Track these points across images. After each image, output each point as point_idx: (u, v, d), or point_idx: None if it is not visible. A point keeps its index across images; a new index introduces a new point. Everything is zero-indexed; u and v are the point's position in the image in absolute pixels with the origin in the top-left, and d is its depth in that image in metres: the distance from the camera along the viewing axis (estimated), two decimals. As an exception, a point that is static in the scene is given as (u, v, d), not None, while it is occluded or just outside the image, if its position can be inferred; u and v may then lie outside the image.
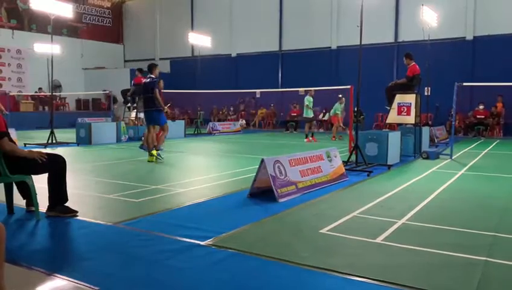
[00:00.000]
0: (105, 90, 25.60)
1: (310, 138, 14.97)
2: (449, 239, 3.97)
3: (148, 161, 9.15)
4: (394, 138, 9.21)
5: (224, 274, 3.11)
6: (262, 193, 5.64)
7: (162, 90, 15.50)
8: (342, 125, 16.55)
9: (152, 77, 9.48)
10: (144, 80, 9.85)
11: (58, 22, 19.39)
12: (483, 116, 18.10)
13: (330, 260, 3.36)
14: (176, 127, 16.76)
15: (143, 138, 11.49)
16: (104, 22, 29.84)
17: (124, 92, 18.02)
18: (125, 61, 30.80)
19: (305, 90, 16.16)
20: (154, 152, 9.35)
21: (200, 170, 8.71)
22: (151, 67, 9.60)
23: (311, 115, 15.38)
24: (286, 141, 15.32)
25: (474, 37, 19.62)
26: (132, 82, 16.57)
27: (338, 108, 16.23)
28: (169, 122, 16.31)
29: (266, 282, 3.01)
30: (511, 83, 11.16)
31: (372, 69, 17.65)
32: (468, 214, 4.97)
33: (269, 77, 24.15)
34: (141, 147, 11.16)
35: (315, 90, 15.91)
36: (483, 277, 3.06)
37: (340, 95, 16.11)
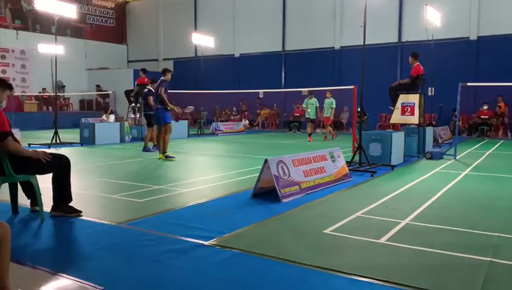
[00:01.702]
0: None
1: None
2: (453, 240, 3.95)
3: (159, 158, 9.58)
4: (398, 138, 9.19)
5: (228, 274, 3.12)
6: (265, 193, 5.64)
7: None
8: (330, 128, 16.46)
9: (162, 79, 9.80)
10: (158, 81, 10.02)
11: (62, 22, 19.48)
12: (487, 117, 18.03)
13: (334, 261, 3.36)
14: (179, 127, 16.79)
15: (144, 140, 11.59)
16: (108, 22, 29.91)
17: (128, 93, 18.07)
18: (128, 61, 30.85)
19: (310, 92, 16.17)
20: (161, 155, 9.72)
21: (204, 170, 8.72)
22: (164, 72, 9.98)
23: (314, 116, 16.01)
24: (289, 141, 15.31)
25: (478, 37, 19.54)
26: (135, 82, 16.64)
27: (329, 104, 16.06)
28: (172, 122, 16.48)
29: (270, 282, 3.01)
30: (515, 83, 11.12)
31: (375, 69, 17.62)
32: (473, 215, 4.95)
33: (272, 77, 24.15)
34: (144, 149, 11.23)
35: (318, 90, 16.03)
36: (488, 277, 3.06)
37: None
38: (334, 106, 16.03)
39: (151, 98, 11.00)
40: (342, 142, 13.96)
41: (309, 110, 15.90)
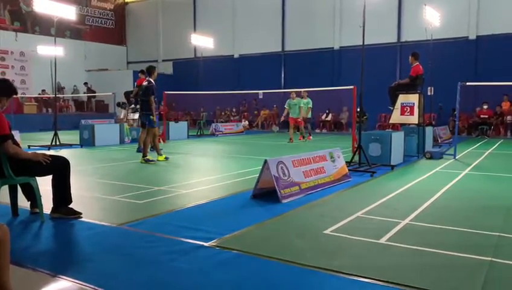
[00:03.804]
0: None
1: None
2: (453, 239, 3.95)
3: (158, 160, 9.49)
4: (397, 138, 9.19)
5: (228, 275, 3.11)
6: (265, 194, 5.64)
7: (166, 92, 15.59)
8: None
9: (150, 81, 9.50)
10: (144, 83, 9.87)
11: (61, 24, 19.48)
12: (486, 116, 18.04)
13: (334, 261, 3.35)
14: (178, 128, 16.81)
15: (139, 141, 11.52)
16: (107, 23, 29.92)
17: (127, 94, 18.07)
18: (128, 62, 30.87)
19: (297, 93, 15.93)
20: (161, 157, 9.60)
21: (203, 171, 8.71)
22: (150, 70, 9.61)
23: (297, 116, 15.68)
24: (289, 142, 15.28)
25: (477, 36, 19.57)
26: (135, 84, 16.65)
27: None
28: (172, 123, 16.52)
29: (270, 283, 3.01)
30: (515, 82, 11.12)
31: (375, 69, 17.63)
32: (473, 214, 4.95)
33: (272, 78, 24.16)
34: (139, 150, 11.17)
35: (317, 90, 16.05)
36: (489, 277, 3.05)
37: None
38: (310, 105, 15.95)
39: (152, 99, 10.55)
40: (342, 142, 13.98)
41: (291, 110, 15.37)
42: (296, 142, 14.87)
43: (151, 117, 9.42)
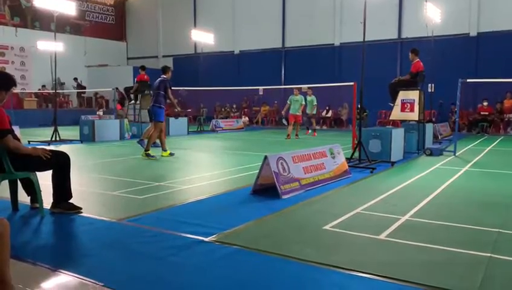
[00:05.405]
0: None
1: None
2: (453, 235, 3.96)
3: (162, 156, 9.53)
4: (397, 135, 9.19)
5: (228, 270, 3.12)
6: (265, 190, 5.64)
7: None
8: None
9: (164, 77, 9.71)
10: (158, 79, 9.92)
11: (61, 19, 19.41)
12: (487, 113, 18.03)
13: (333, 257, 3.36)
14: (178, 124, 16.81)
15: (144, 133, 11.46)
16: (107, 19, 29.86)
17: (127, 90, 18.05)
18: (128, 58, 30.83)
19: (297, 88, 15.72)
20: (165, 153, 9.63)
21: (203, 167, 8.72)
22: (165, 70, 9.91)
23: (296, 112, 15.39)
24: (289, 138, 15.28)
25: (478, 33, 19.53)
26: (135, 79, 16.64)
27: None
28: (172, 119, 16.51)
29: (269, 278, 3.01)
30: (515, 79, 11.11)
31: (375, 66, 17.59)
32: (472, 211, 4.95)
33: (272, 74, 24.13)
34: (139, 141, 11.07)
35: (318, 87, 16.05)
36: (488, 273, 3.06)
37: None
38: (315, 102, 16.07)
39: (170, 92, 10.04)
40: (342, 138, 13.97)
41: (293, 106, 15.03)
42: (297, 139, 14.85)
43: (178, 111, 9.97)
